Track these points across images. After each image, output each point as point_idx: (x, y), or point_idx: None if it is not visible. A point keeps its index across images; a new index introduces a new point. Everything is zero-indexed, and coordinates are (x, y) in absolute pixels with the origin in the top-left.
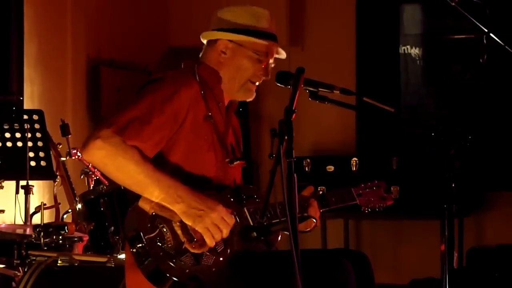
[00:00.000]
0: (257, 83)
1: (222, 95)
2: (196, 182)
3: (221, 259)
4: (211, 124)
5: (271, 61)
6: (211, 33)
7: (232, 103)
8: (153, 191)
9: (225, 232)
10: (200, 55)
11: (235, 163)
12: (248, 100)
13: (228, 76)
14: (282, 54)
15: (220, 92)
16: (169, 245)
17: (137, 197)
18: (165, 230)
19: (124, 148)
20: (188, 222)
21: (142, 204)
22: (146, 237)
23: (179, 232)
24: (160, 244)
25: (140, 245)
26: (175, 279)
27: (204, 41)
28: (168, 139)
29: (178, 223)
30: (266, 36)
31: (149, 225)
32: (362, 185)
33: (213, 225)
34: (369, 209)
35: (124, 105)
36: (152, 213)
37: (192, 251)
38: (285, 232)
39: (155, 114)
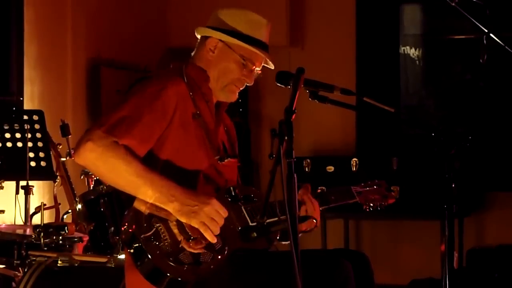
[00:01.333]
0: (240, 88)
1: (210, 93)
2: (188, 179)
3: (219, 257)
4: (199, 122)
5: (257, 69)
6: (204, 30)
7: (223, 102)
8: (147, 191)
9: (221, 222)
10: (192, 53)
11: (225, 160)
12: (229, 101)
13: (212, 75)
14: (270, 65)
15: (209, 90)
16: (166, 244)
17: (131, 197)
18: (161, 229)
19: (115, 149)
20: (183, 220)
21: (137, 205)
22: (141, 236)
23: (175, 231)
24: (156, 243)
25: (136, 244)
26: (173, 277)
27: (198, 36)
28: (159, 137)
29: (174, 222)
30: (256, 43)
31: (145, 225)
32: (362, 184)
33: (209, 218)
34: (371, 208)
35: (114, 106)
36: (148, 213)
37: (189, 249)
38: (284, 242)
39: (144, 112)
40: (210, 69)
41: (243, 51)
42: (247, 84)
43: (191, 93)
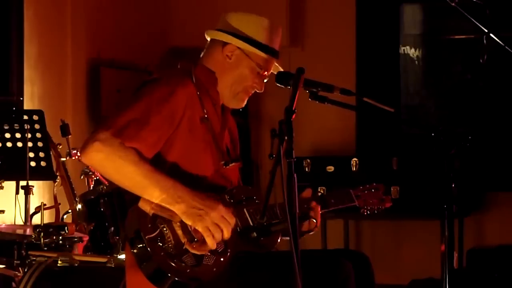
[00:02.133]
0: (249, 95)
1: (218, 96)
2: (193, 183)
3: (221, 259)
4: (207, 126)
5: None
6: (221, 34)
7: None
8: (153, 192)
9: (226, 231)
10: (202, 54)
11: (230, 165)
12: (237, 108)
13: (226, 81)
14: (279, 68)
15: (216, 93)
16: (170, 245)
17: (134, 197)
18: (165, 230)
19: (123, 150)
20: (188, 222)
21: (142, 205)
22: (146, 237)
23: (179, 232)
24: (160, 244)
25: (141, 245)
26: (175, 279)
27: (208, 38)
28: (166, 140)
29: (178, 223)
30: (272, 53)
31: (149, 225)
32: (361, 187)
33: (213, 224)
34: (368, 211)
35: (121, 107)
36: (153, 213)
37: (192, 251)
38: (285, 238)
39: (152, 115)
40: (222, 74)
41: (259, 60)
42: (257, 91)
43: (198, 93)
